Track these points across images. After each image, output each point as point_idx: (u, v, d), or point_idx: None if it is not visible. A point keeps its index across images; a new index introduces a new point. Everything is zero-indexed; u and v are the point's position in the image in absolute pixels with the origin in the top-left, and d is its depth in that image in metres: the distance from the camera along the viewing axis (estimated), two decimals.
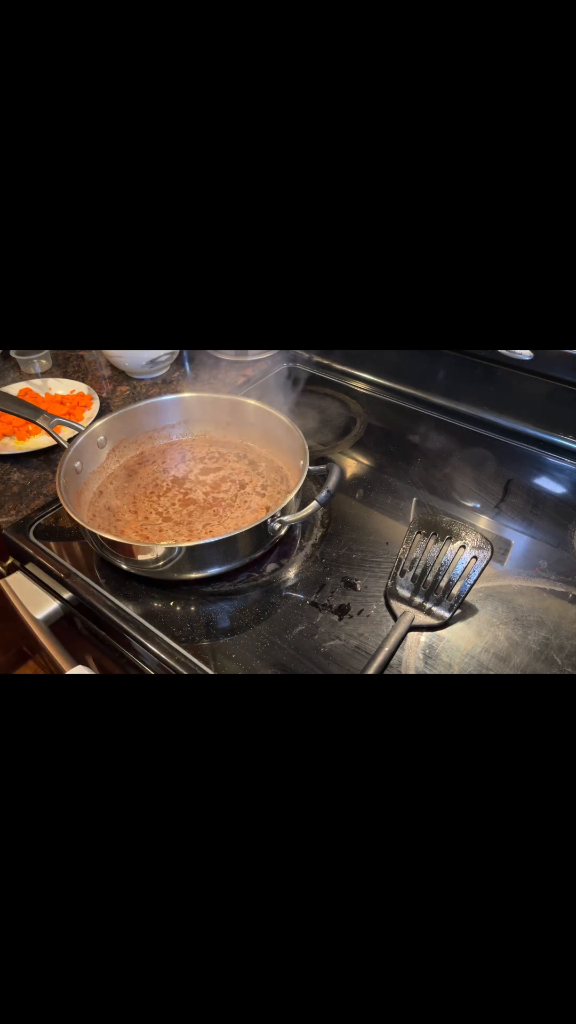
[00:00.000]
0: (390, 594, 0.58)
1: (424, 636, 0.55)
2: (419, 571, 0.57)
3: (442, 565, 0.56)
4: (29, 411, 0.70)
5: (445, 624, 0.55)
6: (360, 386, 0.94)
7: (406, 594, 0.57)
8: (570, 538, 0.66)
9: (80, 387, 0.91)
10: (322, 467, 0.62)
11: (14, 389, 0.91)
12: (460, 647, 0.54)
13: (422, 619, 0.55)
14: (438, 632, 0.55)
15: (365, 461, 0.79)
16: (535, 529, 0.67)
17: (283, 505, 0.57)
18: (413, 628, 0.55)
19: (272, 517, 0.56)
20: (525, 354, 0.75)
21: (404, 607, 0.56)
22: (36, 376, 0.97)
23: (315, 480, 0.71)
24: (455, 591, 0.55)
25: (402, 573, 0.58)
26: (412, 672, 0.52)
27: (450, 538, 0.57)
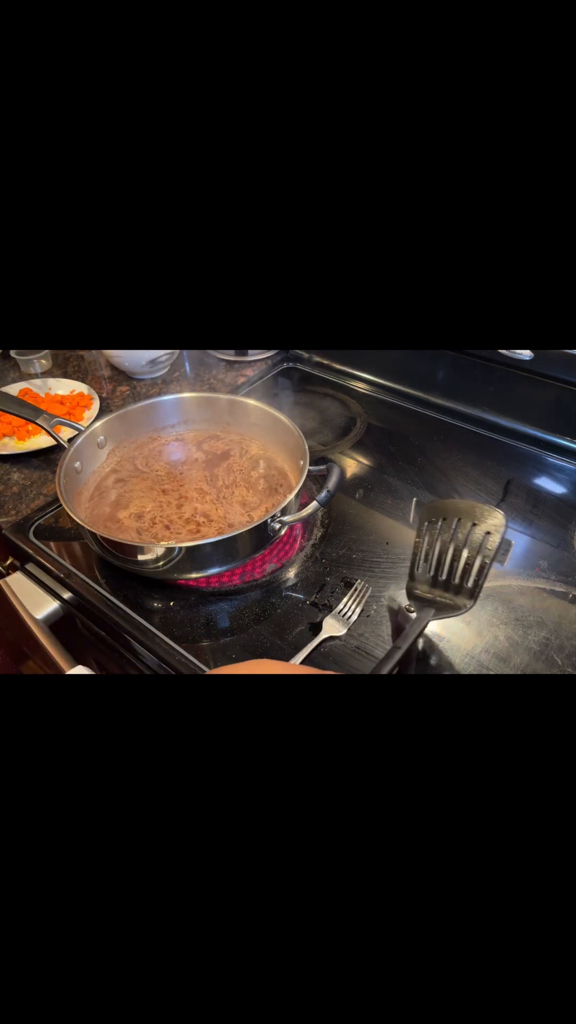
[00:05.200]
0: (410, 591, 0.55)
1: (424, 636, 0.55)
2: (435, 562, 0.54)
3: (457, 550, 0.53)
4: (29, 411, 0.70)
5: (468, 609, 0.52)
6: (360, 386, 0.94)
7: (427, 588, 0.55)
8: (570, 538, 0.66)
9: (80, 387, 0.91)
10: (322, 467, 0.62)
11: (14, 389, 0.91)
12: (460, 647, 0.54)
13: (444, 605, 0.52)
14: (438, 632, 0.55)
15: (365, 461, 0.79)
16: (535, 529, 0.67)
17: (283, 505, 0.57)
18: (437, 617, 0.52)
19: (272, 517, 0.56)
20: (525, 354, 0.75)
21: (424, 599, 0.54)
22: (36, 376, 0.97)
23: (315, 480, 0.71)
24: (474, 574, 0.52)
25: (418, 567, 0.55)
26: (412, 672, 0.52)
27: (461, 520, 0.54)
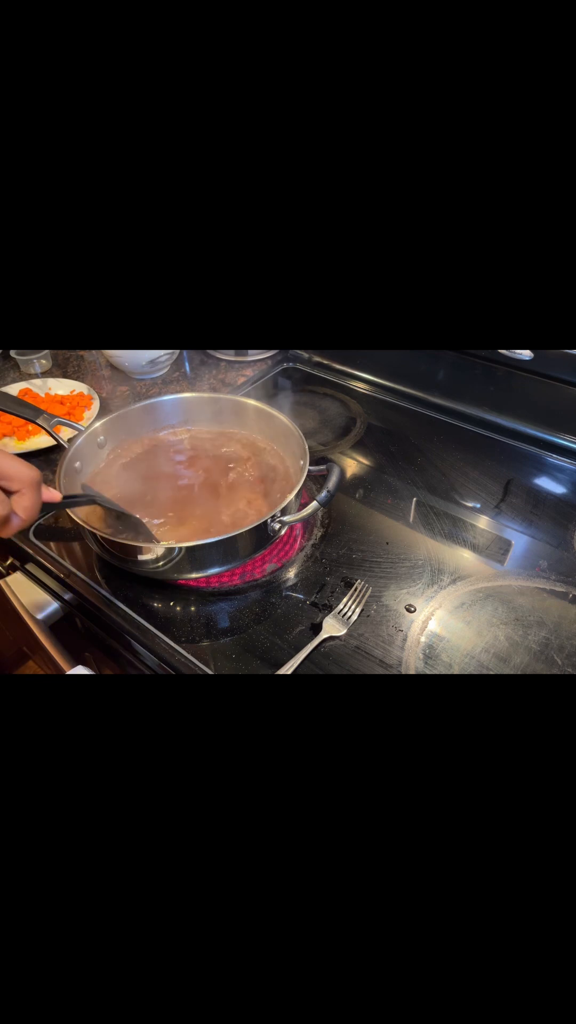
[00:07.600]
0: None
1: (424, 636, 0.55)
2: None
3: None
4: (29, 411, 0.70)
5: None
6: (360, 386, 0.94)
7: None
8: (570, 538, 0.66)
9: (80, 387, 0.91)
10: (322, 467, 0.62)
11: (14, 389, 0.91)
12: (460, 647, 0.54)
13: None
14: (438, 632, 0.55)
15: (365, 461, 0.79)
16: (535, 529, 0.67)
17: (283, 505, 0.57)
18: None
19: (272, 517, 0.56)
20: (525, 354, 0.75)
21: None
22: (36, 376, 0.97)
23: (315, 480, 0.71)
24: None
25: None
26: (412, 672, 0.52)
27: None
